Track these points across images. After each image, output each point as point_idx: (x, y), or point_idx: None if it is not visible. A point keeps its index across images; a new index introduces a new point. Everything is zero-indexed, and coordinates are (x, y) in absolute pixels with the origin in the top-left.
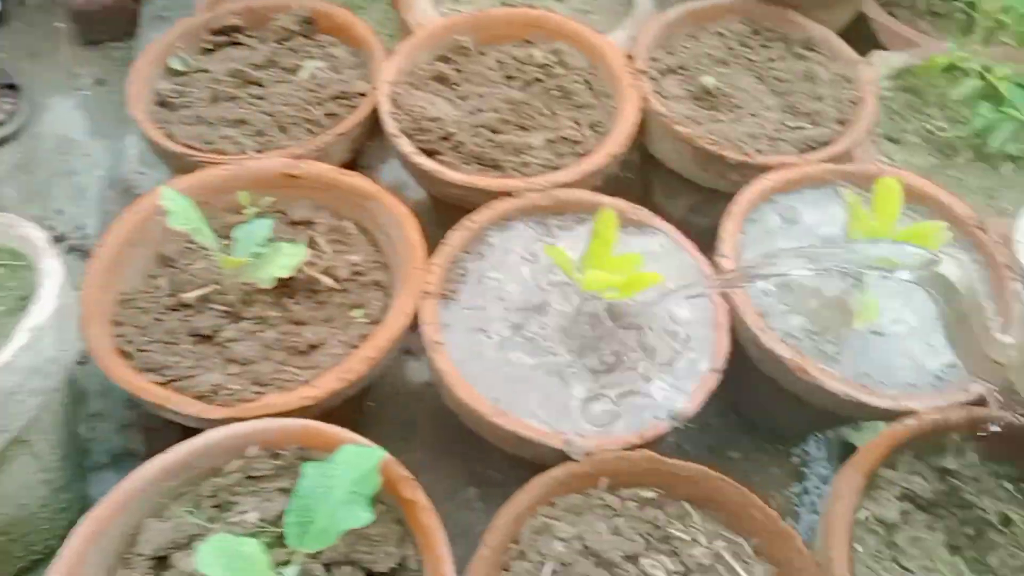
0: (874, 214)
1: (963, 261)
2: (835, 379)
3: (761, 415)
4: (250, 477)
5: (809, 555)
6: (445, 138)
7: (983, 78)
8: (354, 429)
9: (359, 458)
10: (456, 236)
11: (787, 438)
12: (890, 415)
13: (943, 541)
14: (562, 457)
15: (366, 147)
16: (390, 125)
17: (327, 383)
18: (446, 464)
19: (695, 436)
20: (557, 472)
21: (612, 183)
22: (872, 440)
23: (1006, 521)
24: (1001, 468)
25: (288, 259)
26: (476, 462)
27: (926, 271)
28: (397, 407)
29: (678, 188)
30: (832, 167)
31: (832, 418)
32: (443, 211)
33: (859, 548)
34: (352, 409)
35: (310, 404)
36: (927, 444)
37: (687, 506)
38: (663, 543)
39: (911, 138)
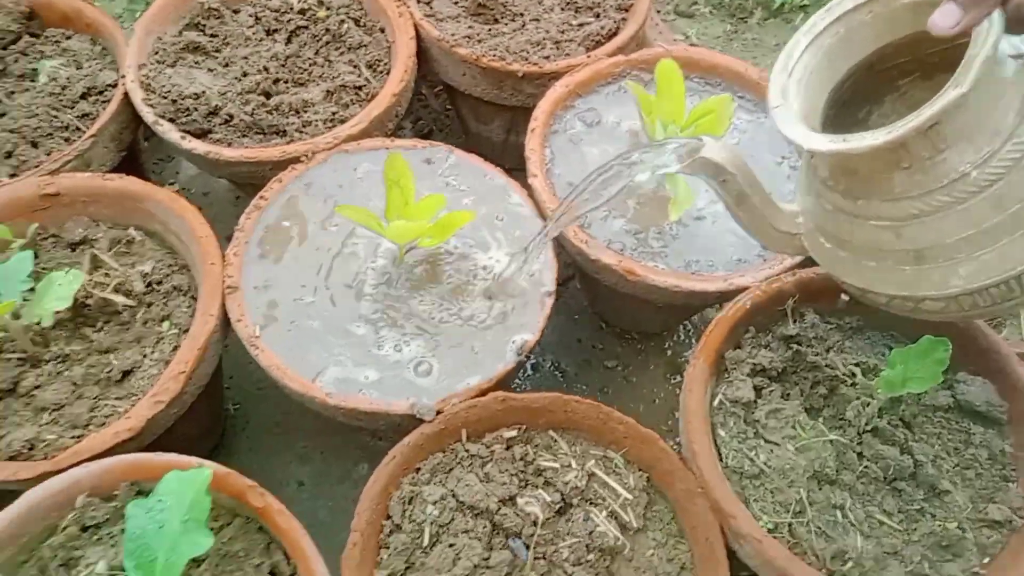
0: (661, 99)
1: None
2: (662, 274)
3: (624, 319)
4: (88, 527)
5: (674, 453)
6: (212, 113)
7: None
8: (215, 440)
9: (184, 485)
10: (249, 221)
11: (656, 334)
12: (727, 296)
13: (800, 407)
14: (417, 422)
15: (142, 141)
16: (146, 113)
17: (142, 411)
18: (332, 445)
19: (571, 353)
20: (412, 438)
21: (435, 119)
22: (709, 327)
23: (854, 373)
24: (843, 321)
25: (63, 288)
26: (363, 435)
27: (694, 159)
28: (265, 402)
29: (486, 111)
30: (620, 59)
31: (686, 307)
32: (246, 192)
33: (722, 433)
34: (204, 420)
35: (129, 437)
36: (766, 317)
37: (552, 434)
38: (536, 476)
39: (703, 9)
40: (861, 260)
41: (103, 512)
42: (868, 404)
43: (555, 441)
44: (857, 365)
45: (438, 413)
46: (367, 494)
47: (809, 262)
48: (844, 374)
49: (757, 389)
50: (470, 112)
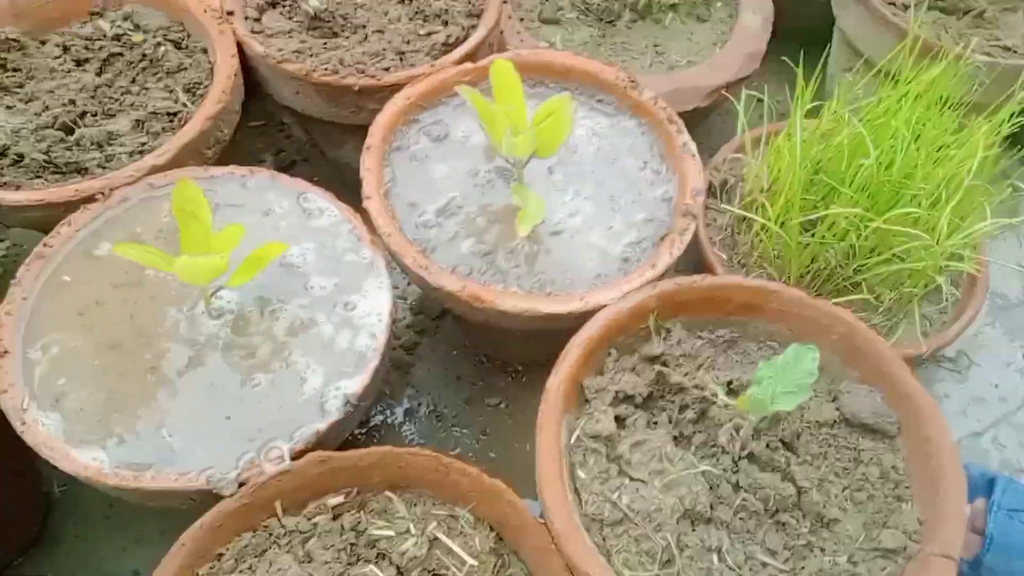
0: (500, 104)
1: None
2: (512, 297)
3: (503, 351)
4: None
5: (523, 506)
6: (1, 155)
7: None
8: (33, 530)
9: None
10: (29, 273)
11: (541, 363)
12: (586, 316)
13: (668, 435)
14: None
15: None
16: None
17: None
18: (174, 526)
19: (450, 394)
20: (206, 519)
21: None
22: (562, 354)
23: (731, 391)
24: (715, 334)
25: None
26: None
27: None
28: None
29: (335, 134)
30: (468, 66)
31: (561, 332)
32: None
33: (582, 474)
34: (12, 506)
35: None
36: (630, 336)
37: (389, 495)
38: (369, 549)
39: (569, 15)
40: None
41: None
42: (741, 427)
43: (391, 502)
44: (729, 383)
45: (241, 485)
46: None
47: (671, 273)
48: (713, 394)
49: (620, 419)
50: (321, 136)
